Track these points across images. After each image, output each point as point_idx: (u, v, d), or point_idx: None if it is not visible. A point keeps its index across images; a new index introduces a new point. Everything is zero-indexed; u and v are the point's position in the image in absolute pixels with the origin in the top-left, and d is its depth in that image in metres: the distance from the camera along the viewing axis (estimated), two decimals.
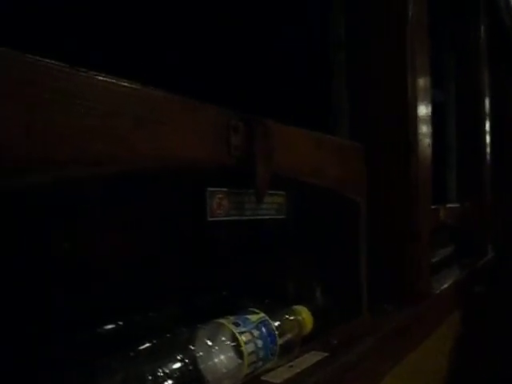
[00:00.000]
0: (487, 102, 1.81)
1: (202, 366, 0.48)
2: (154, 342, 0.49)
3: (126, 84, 0.44)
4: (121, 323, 0.52)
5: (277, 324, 0.56)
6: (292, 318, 0.60)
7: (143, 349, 0.47)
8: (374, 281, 0.90)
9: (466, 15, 1.79)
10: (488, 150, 1.84)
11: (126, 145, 0.44)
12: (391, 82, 0.90)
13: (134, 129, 0.45)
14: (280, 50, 1.07)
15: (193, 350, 0.48)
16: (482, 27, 1.81)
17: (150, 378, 0.44)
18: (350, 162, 0.80)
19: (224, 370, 0.48)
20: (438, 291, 1.04)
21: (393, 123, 0.89)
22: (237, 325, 0.51)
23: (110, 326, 0.51)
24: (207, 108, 0.53)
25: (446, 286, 1.19)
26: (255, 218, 0.62)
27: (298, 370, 0.57)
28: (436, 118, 1.88)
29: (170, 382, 0.46)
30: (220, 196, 0.56)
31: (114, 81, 0.43)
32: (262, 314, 0.55)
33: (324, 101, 1.02)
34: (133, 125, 0.44)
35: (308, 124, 0.73)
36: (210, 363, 0.48)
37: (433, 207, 1.22)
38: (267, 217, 0.65)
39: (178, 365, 0.46)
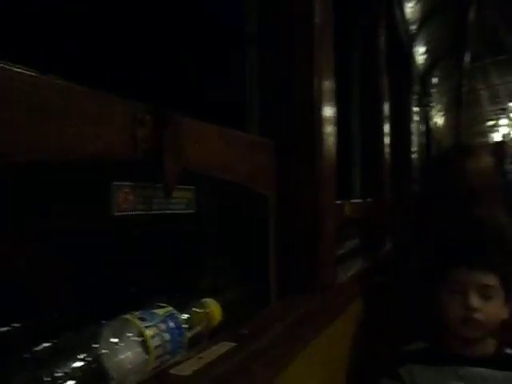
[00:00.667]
0: (387, 105, 1.97)
1: (106, 364, 0.47)
2: (55, 341, 0.47)
3: (19, 70, 0.41)
4: (17, 325, 0.48)
5: (185, 317, 0.57)
6: (200, 310, 0.61)
7: (41, 350, 0.45)
8: (284, 272, 0.95)
9: (368, 26, 1.93)
10: (387, 150, 2.00)
11: (22, 136, 0.42)
12: (299, 82, 0.95)
13: (30, 119, 0.42)
14: (194, 43, 1.07)
15: (96, 347, 0.47)
16: (382, 38, 1.97)
17: (47, 380, 0.42)
18: (260, 158, 0.82)
19: (129, 366, 0.47)
20: (342, 281, 1.11)
21: (299, 122, 0.93)
22: (143, 319, 0.50)
23: (3, 329, 0.47)
24: (113, 99, 0.52)
25: (349, 276, 1.28)
26: (163, 212, 0.61)
27: (207, 361, 0.58)
28: (343, 118, 2.00)
29: (71, 382, 0.44)
30: (126, 190, 0.55)
31: (5, 66, 0.40)
32: (170, 308, 0.55)
33: (236, 97, 1.04)
34: (28, 115, 0.42)
35: (220, 120, 0.75)
36: (115, 360, 0.47)
37: (338, 203, 1.31)
38: (176, 211, 0.65)
39: (79, 364, 0.45)
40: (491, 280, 1.07)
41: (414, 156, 3.32)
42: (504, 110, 7.64)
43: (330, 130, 1.02)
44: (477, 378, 1.09)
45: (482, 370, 1.09)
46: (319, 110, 0.95)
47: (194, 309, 0.59)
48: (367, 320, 1.41)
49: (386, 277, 1.57)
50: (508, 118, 7.87)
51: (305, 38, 0.95)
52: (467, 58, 3.90)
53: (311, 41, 0.95)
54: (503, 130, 8.64)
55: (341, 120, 1.96)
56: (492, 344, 1.12)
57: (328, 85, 1.01)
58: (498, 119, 8.56)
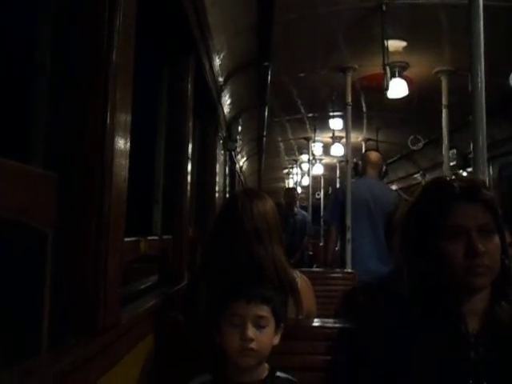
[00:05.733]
0: (190, 148, 2.09)
1: None
2: None
3: None
4: None
5: None
6: None
7: None
8: (62, 315, 0.89)
9: (177, 74, 2.04)
10: (189, 188, 2.10)
11: None
12: (89, 113, 0.93)
13: None
14: None
15: None
16: (190, 85, 2.10)
17: None
18: (38, 192, 0.77)
19: None
20: (127, 320, 1.09)
21: (89, 155, 0.91)
22: None
23: None
24: None
25: (139, 313, 1.27)
26: None
27: None
28: (148, 157, 2.04)
29: None
30: None
31: None
32: None
33: (21, 126, 0.96)
34: None
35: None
36: None
37: (132, 239, 1.30)
38: None
39: None
40: (265, 311, 1.21)
41: (218, 195, 3.55)
42: (296, 161, 8.93)
43: (123, 163, 1.02)
44: None
45: None
46: (111, 145, 0.94)
47: None
48: (158, 357, 1.41)
49: (179, 312, 1.61)
50: (299, 167, 9.22)
51: (100, 70, 0.95)
52: (266, 113, 4.46)
53: (106, 74, 0.96)
54: (295, 178, 10.08)
55: (146, 158, 2.00)
56: (266, 369, 1.25)
57: (123, 118, 1.01)
58: (291, 168, 9.96)
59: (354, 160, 3.71)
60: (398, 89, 3.68)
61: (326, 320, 1.61)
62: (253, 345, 1.17)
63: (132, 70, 1.12)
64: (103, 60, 0.98)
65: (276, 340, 1.25)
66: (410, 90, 3.73)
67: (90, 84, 0.96)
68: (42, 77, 0.95)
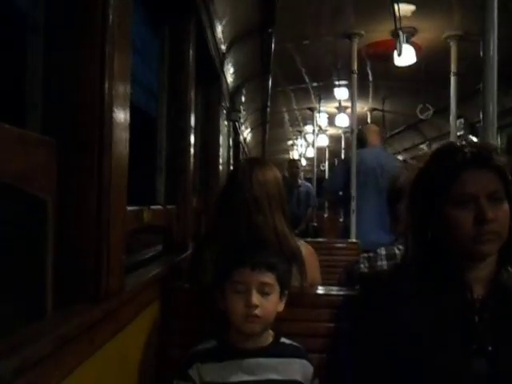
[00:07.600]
0: (192, 117, 2.05)
1: None
2: None
3: None
4: None
5: None
6: None
7: None
8: (65, 282, 0.89)
9: (178, 40, 1.98)
10: (193, 160, 2.08)
11: None
12: (88, 83, 0.90)
13: None
14: None
15: None
16: (191, 52, 2.05)
17: None
18: (36, 157, 0.75)
19: None
20: (131, 288, 1.10)
21: (88, 123, 0.89)
22: None
23: None
24: None
25: (144, 281, 1.28)
26: None
27: None
28: (151, 128, 2.01)
29: None
30: None
31: None
32: None
33: (16, 91, 0.94)
34: None
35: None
36: None
37: (133, 208, 1.30)
38: None
39: None
40: (269, 278, 1.22)
41: (222, 167, 3.53)
42: (300, 132, 8.84)
43: (122, 134, 1.00)
44: (257, 367, 1.21)
45: (261, 359, 1.22)
46: (110, 112, 0.92)
47: None
48: (163, 324, 1.42)
49: (184, 280, 1.62)
50: (304, 138, 9.14)
51: (97, 35, 0.92)
52: (270, 82, 4.37)
53: (103, 41, 0.92)
54: (300, 149, 10.01)
55: (148, 126, 1.97)
56: (270, 335, 1.26)
57: (122, 88, 0.99)
58: (296, 139, 9.88)
59: (359, 127, 3.68)
60: (405, 56, 3.58)
61: (330, 287, 1.62)
62: (257, 311, 1.18)
63: (130, 33, 1.08)
64: (100, 22, 0.94)
65: (280, 307, 1.25)
66: (417, 57, 3.64)
67: (86, 48, 0.93)
68: (35, 39, 0.91)
